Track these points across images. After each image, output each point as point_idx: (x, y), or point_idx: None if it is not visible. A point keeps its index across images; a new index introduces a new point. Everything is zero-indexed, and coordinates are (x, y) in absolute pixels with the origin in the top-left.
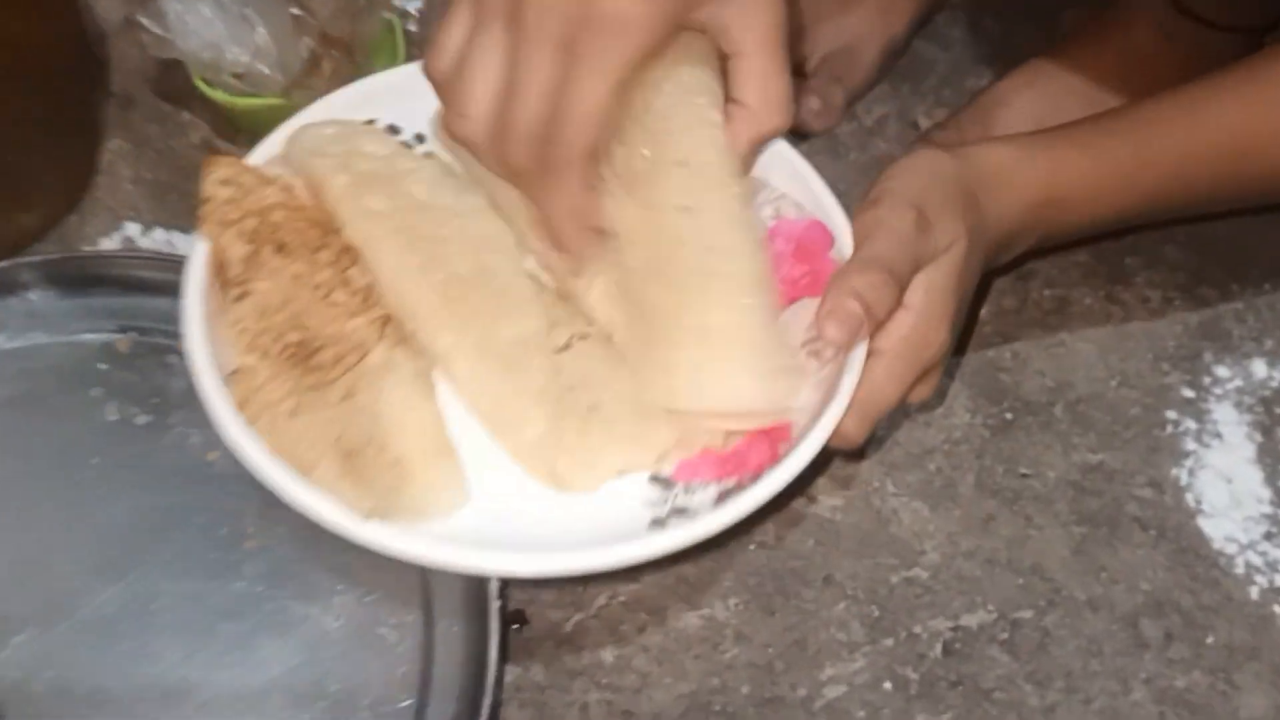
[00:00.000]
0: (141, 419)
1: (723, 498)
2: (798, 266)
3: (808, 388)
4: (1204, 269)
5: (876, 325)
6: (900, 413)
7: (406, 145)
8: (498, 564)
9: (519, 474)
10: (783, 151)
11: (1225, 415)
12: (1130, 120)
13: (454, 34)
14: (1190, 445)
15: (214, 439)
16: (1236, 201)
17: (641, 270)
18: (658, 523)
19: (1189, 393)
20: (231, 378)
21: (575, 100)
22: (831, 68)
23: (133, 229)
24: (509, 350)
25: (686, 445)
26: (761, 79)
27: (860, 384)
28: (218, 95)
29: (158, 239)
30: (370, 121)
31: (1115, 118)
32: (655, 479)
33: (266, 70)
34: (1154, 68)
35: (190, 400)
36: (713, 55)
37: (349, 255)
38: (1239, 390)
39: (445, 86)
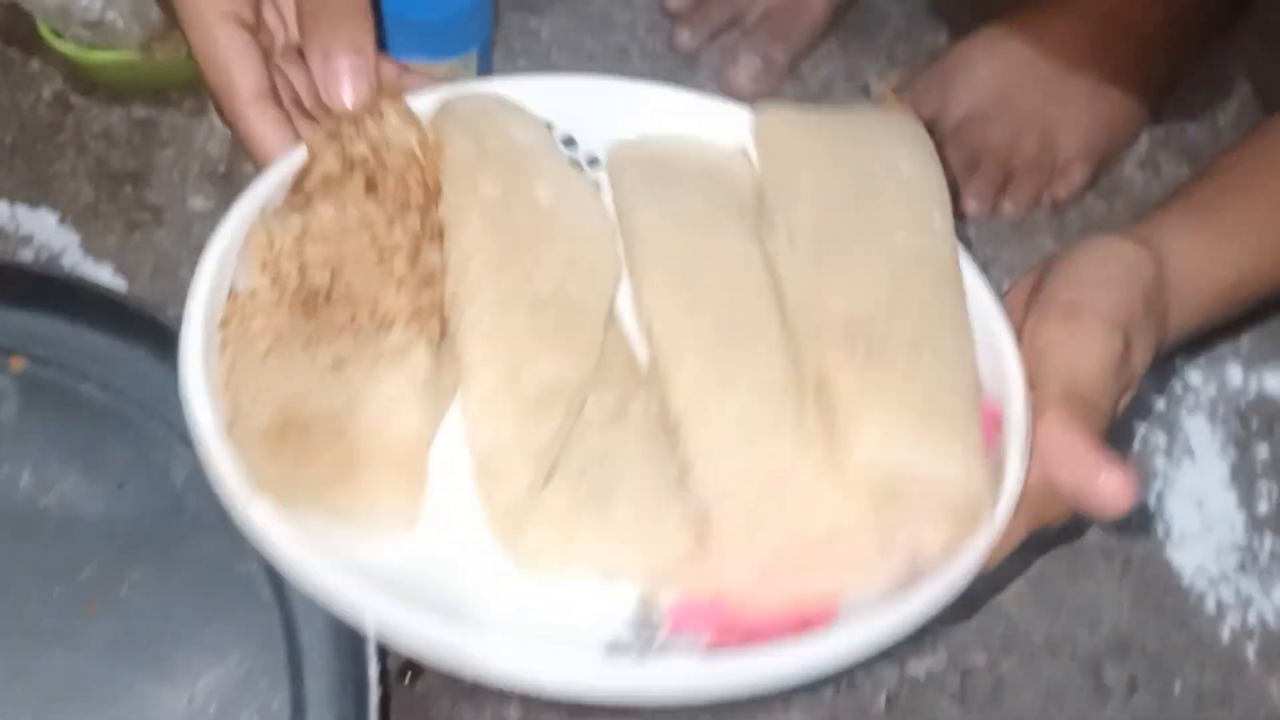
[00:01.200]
0: None
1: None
2: None
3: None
4: None
5: None
6: None
7: (576, 163)
8: (395, 619)
9: (481, 528)
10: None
11: (1198, 429)
12: None
13: None
14: (1160, 464)
15: (50, 479)
16: None
17: (826, 327)
18: (618, 646)
19: (1159, 403)
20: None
21: None
22: (773, 24)
23: None
24: (538, 390)
25: (702, 576)
26: None
27: None
28: (66, 48)
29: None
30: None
31: None
32: (641, 605)
33: (120, 22)
34: (1129, 32)
35: (22, 433)
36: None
37: (439, 235)
38: (1212, 400)
39: None
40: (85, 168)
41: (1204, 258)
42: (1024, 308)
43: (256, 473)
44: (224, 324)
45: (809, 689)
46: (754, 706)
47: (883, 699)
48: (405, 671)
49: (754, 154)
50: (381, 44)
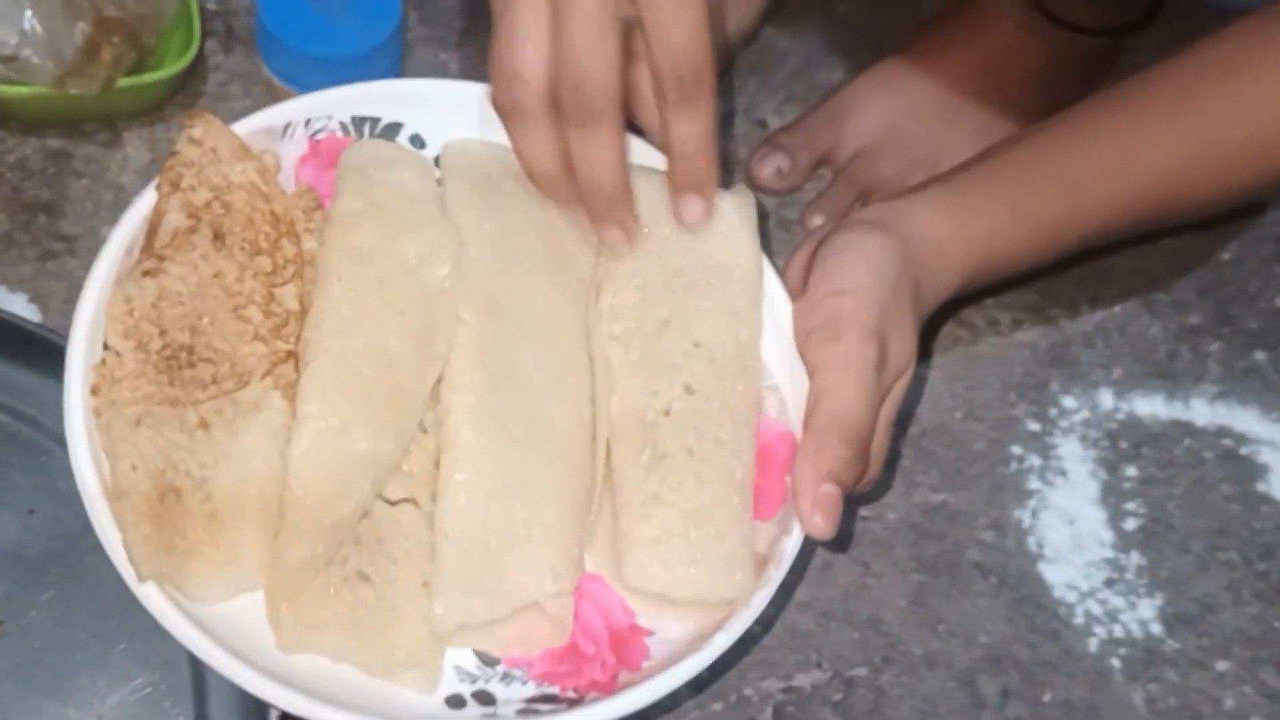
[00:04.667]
0: None
1: (533, 705)
2: None
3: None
4: (1055, 288)
5: None
6: None
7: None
8: (266, 692)
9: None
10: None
11: (1070, 450)
12: (1059, 168)
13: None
14: (1034, 484)
15: None
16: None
17: (622, 426)
18: (455, 701)
19: (1035, 425)
20: (101, 361)
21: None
22: None
23: None
24: (355, 459)
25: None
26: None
27: None
28: None
29: None
30: (396, 125)
31: (1044, 162)
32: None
33: (35, 58)
34: (1013, 70)
35: None
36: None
37: (292, 268)
38: (1085, 423)
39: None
40: (0, 198)
41: (948, 230)
42: (800, 289)
43: (142, 545)
44: (94, 391)
45: (698, 705)
46: None
47: (770, 710)
48: None
49: None
50: (291, 78)
